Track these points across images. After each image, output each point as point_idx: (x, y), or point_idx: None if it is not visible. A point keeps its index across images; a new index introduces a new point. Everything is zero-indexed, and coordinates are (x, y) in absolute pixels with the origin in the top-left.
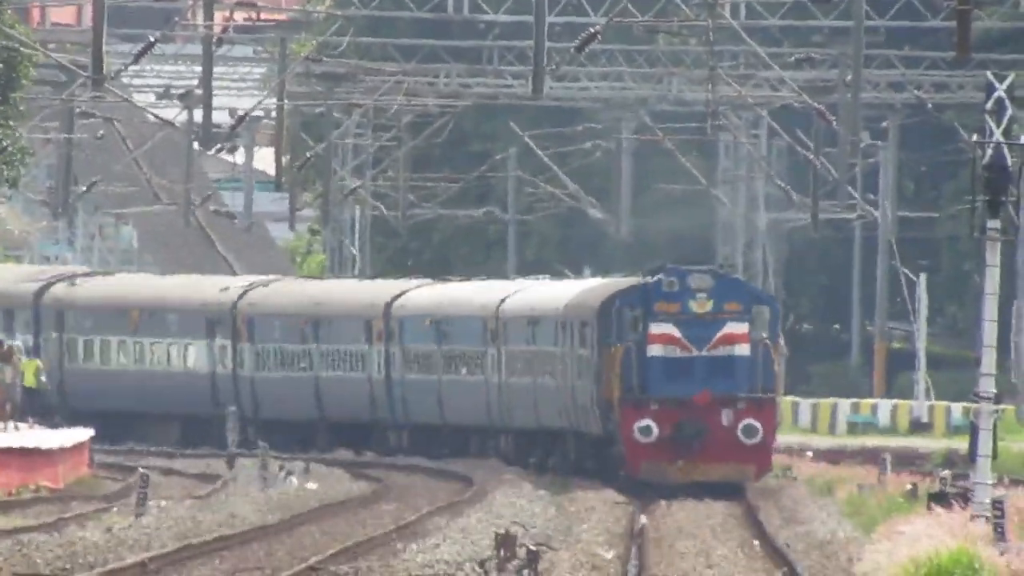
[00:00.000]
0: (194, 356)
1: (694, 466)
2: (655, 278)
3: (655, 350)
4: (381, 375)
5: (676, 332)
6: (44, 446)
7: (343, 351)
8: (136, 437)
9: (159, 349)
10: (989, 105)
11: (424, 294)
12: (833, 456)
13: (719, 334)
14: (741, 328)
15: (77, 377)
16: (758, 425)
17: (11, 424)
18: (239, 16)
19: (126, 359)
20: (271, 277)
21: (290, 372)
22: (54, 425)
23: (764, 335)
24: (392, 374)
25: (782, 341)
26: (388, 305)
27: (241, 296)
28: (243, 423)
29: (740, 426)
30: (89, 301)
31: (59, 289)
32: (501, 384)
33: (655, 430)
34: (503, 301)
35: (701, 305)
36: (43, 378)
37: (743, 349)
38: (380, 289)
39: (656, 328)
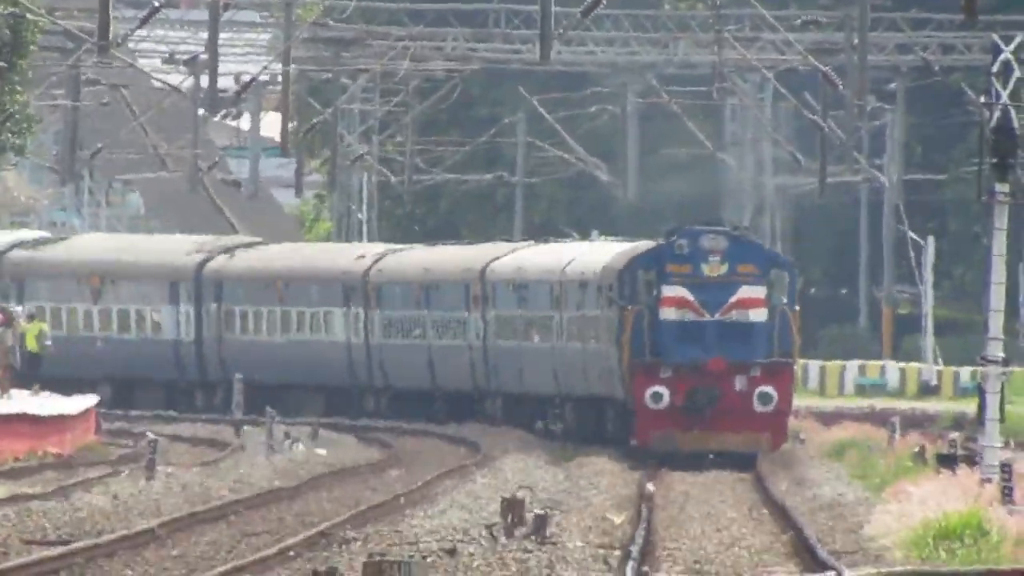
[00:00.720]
0: (332, 326)
1: (706, 435)
2: (669, 240)
3: (667, 314)
4: (479, 342)
5: (688, 296)
6: (52, 413)
7: (448, 318)
8: (284, 409)
9: (302, 319)
10: (995, 68)
11: (513, 258)
12: (840, 418)
13: (733, 298)
14: (757, 292)
15: (234, 349)
16: (773, 392)
17: (10, 391)
18: None
19: (274, 330)
20: (404, 246)
21: (408, 340)
22: (214, 400)
23: (783, 300)
24: (487, 342)
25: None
26: (483, 270)
27: (373, 264)
28: (376, 395)
29: (755, 393)
30: (242, 272)
31: (219, 261)
32: (564, 349)
33: (667, 397)
34: (567, 265)
35: (714, 268)
36: (48, 342)
37: (759, 314)
38: (478, 254)
39: (668, 291)
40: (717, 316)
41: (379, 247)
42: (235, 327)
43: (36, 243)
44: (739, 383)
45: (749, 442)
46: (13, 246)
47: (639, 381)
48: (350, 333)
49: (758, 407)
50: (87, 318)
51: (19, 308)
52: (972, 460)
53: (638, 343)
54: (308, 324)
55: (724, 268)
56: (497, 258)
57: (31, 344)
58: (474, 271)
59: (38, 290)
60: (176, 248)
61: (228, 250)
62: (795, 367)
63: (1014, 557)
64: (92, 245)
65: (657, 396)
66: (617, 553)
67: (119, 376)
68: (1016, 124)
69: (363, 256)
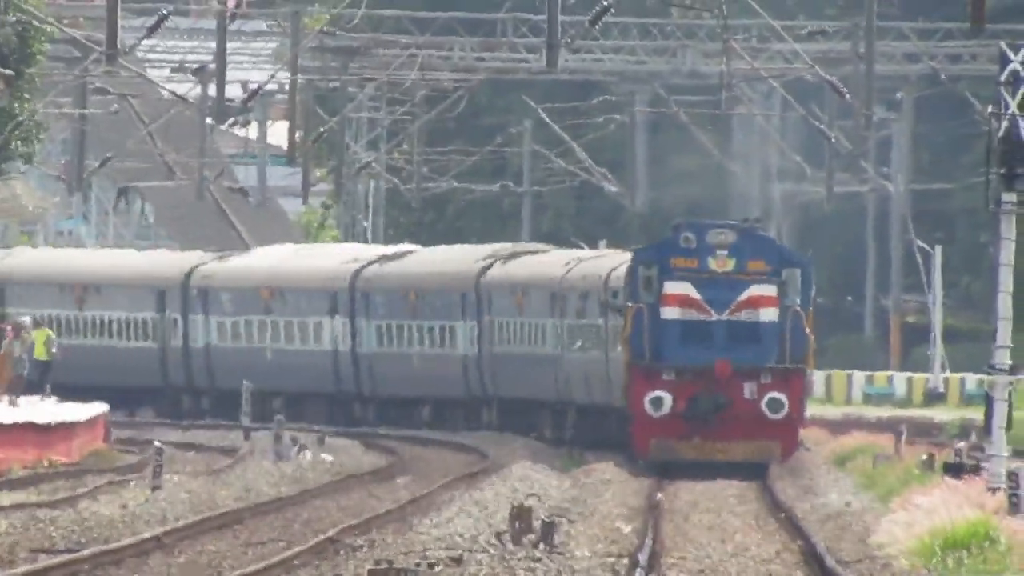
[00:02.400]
0: (546, 336)
1: (711, 444)
2: (674, 233)
3: (670, 312)
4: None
5: (693, 293)
6: (60, 420)
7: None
8: (530, 429)
9: (534, 329)
10: (1003, 77)
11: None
12: (847, 426)
13: (742, 297)
14: (767, 291)
15: (497, 361)
16: (784, 399)
17: (19, 398)
18: None
19: (513, 341)
20: (598, 251)
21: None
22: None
23: (796, 300)
24: (609, 352)
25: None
26: (606, 278)
27: (568, 270)
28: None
29: (764, 400)
30: (503, 281)
31: (494, 269)
32: (611, 358)
33: (668, 403)
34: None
35: (722, 263)
36: (53, 349)
37: (769, 314)
38: (604, 262)
39: (671, 288)
40: (724, 316)
41: (586, 253)
42: (495, 338)
43: (387, 259)
44: (747, 389)
45: (758, 452)
46: (371, 262)
47: (638, 385)
48: (558, 345)
49: (768, 415)
50: (409, 333)
51: (26, 319)
52: (978, 469)
53: (637, 344)
54: (530, 335)
55: (733, 264)
56: (617, 267)
57: (39, 352)
58: (600, 279)
59: (378, 307)
60: (468, 257)
61: (504, 258)
62: (808, 372)
63: (1022, 566)
64: (412, 259)
65: (658, 401)
66: (625, 562)
67: (433, 395)
68: (1023, 134)
69: (568, 263)
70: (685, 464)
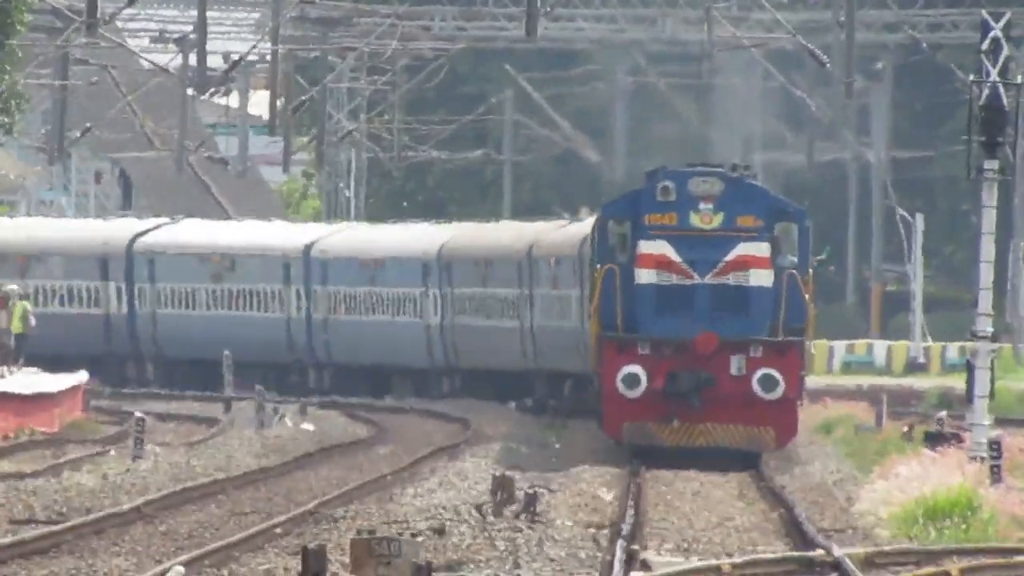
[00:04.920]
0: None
1: (693, 428)
2: (650, 183)
3: (645, 276)
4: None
5: (672, 253)
6: (39, 390)
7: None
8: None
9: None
10: (985, 45)
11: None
12: (828, 396)
13: (729, 257)
14: (758, 250)
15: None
16: (778, 376)
17: (6, 369)
18: None
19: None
20: None
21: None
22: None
23: (793, 260)
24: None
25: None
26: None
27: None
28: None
29: (755, 377)
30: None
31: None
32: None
33: (643, 380)
34: None
35: (706, 219)
36: (32, 321)
37: (761, 277)
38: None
39: (646, 247)
40: (708, 279)
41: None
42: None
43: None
44: (735, 364)
45: (748, 438)
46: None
47: (609, 360)
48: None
49: (760, 394)
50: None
51: (13, 287)
52: (959, 438)
53: (608, 312)
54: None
55: (719, 219)
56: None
57: (15, 324)
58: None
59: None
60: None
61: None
62: (808, 344)
63: (1004, 535)
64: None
65: (632, 379)
66: (606, 531)
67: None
68: (1005, 102)
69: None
70: (663, 451)
